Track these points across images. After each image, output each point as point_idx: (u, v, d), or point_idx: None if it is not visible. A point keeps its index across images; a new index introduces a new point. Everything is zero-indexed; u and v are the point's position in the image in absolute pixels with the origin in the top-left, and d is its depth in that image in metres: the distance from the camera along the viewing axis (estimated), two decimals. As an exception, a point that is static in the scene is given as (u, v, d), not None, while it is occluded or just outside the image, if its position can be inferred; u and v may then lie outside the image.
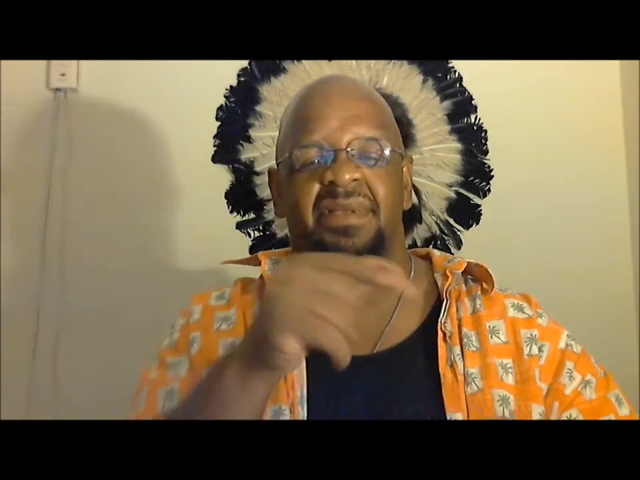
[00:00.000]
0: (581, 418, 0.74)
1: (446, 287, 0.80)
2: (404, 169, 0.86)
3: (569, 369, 0.77)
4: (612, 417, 0.75)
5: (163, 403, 0.77)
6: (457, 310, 0.80)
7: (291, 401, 0.74)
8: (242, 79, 1.43)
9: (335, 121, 0.78)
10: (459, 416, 0.72)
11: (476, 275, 0.84)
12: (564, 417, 0.75)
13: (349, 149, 0.77)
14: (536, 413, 0.74)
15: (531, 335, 0.79)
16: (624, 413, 0.76)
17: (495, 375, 0.75)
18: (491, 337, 0.78)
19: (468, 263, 0.83)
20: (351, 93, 0.82)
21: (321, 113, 0.79)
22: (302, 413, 0.73)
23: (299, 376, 0.76)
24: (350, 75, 1.40)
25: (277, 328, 0.55)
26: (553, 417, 0.74)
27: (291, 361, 0.57)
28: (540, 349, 0.78)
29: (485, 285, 0.82)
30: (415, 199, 1.40)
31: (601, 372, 0.79)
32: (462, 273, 0.83)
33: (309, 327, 0.54)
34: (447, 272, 0.82)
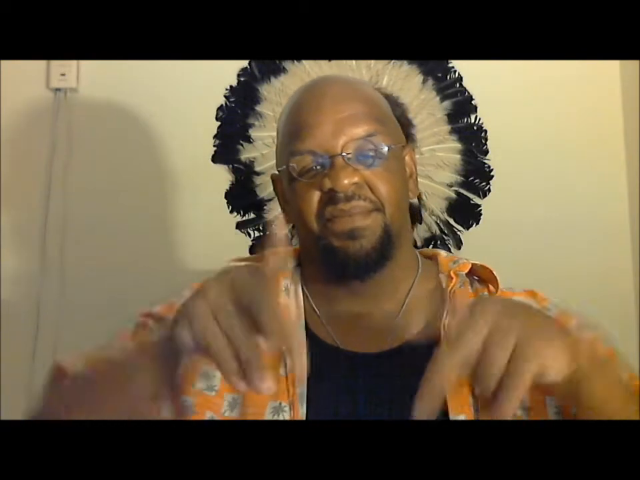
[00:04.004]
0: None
1: (450, 287, 0.80)
2: (406, 158, 0.85)
3: None
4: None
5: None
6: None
7: (291, 398, 0.74)
8: (242, 79, 1.44)
9: (327, 126, 0.77)
10: (463, 417, 0.71)
11: (481, 277, 0.84)
12: None
13: (344, 153, 0.76)
14: (550, 405, 0.73)
15: None
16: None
17: None
18: None
19: (473, 264, 0.83)
20: (342, 94, 0.80)
21: (313, 119, 0.78)
22: (302, 411, 0.73)
23: (299, 373, 0.75)
24: (350, 75, 1.40)
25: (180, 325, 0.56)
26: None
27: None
28: None
29: (491, 287, 0.82)
30: (414, 199, 1.40)
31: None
32: (468, 274, 0.83)
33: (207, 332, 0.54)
34: (452, 273, 0.82)
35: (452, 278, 0.81)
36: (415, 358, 0.76)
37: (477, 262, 0.84)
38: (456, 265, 0.83)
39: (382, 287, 0.81)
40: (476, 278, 0.84)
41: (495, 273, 0.82)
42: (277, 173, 0.87)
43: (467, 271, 0.82)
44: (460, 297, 0.80)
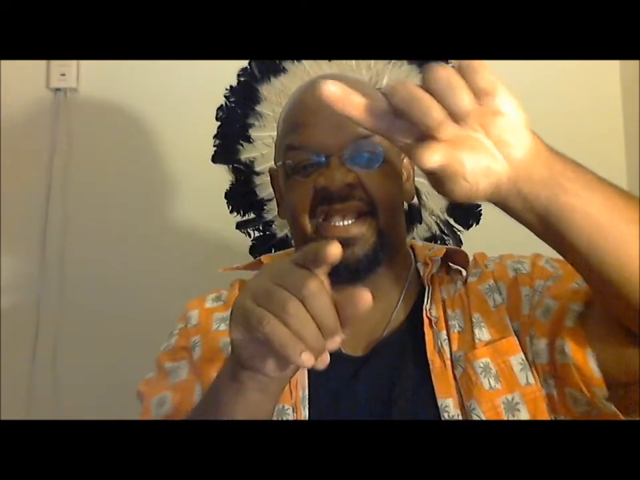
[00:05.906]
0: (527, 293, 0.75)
1: (427, 273, 0.81)
2: (404, 161, 0.85)
3: (526, 295, 0.76)
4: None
5: (155, 412, 0.78)
6: (441, 294, 0.80)
7: (294, 400, 0.75)
8: (242, 79, 1.43)
9: (325, 124, 0.76)
10: (450, 402, 0.72)
11: (457, 262, 0.84)
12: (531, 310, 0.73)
13: (340, 154, 0.75)
14: (516, 364, 0.73)
15: (489, 286, 0.78)
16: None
17: (471, 344, 0.74)
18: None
19: (447, 249, 0.83)
20: None
21: (312, 117, 0.77)
22: (304, 413, 0.75)
23: (300, 377, 0.76)
24: (350, 74, 1.40)
25: (230, 324, 0.55)
26: (536, 346, 0.72)
27: (247, 355, 0.55)
28: (501, 294, 0.77)
29: (464, 272, 0.83)
30: (415, 199, 1.40)
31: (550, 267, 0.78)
32: (449, 263, 0.84)
33: (253, 318, 0.52)
34: (427, 259, 0.83)
35: (428, 264, 0.82)
36: (400, 348, 0.78)
37: (451, 247, 0.85)
38: (431, 252, 0.84)
39: (375, 288, 0.80)
40: (455, 266, 0.84)
41: (469, 257, 0.83)
42: (275, 167, 0.87)
43: (441, 255, 0.83)
44: (438, 282, 0.81)
